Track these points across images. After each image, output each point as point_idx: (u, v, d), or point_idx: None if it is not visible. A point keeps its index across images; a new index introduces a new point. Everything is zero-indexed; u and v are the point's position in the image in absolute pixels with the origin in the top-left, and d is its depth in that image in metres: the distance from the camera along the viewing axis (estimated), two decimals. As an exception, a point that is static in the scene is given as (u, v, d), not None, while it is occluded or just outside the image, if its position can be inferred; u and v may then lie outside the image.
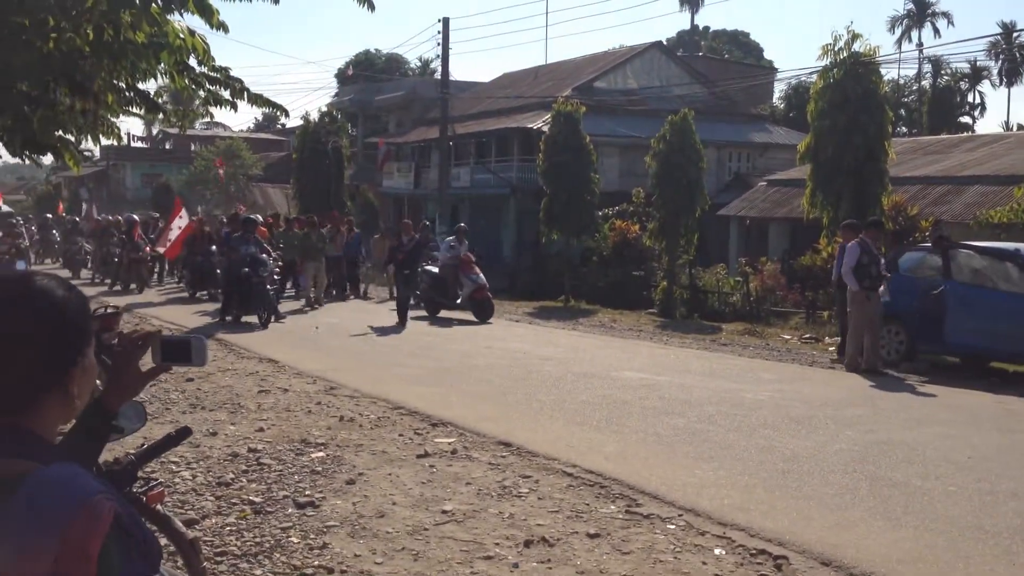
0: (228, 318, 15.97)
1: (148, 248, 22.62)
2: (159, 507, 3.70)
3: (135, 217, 25.10)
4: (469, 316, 17.54)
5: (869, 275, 11.86)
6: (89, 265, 27.33)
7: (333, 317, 17.50)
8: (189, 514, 5.58)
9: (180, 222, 20.93)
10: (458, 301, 17.69)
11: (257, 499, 5.99)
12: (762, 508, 6.06)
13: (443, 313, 18.14)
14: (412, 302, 17.48)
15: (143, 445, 3.53)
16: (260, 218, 20.85)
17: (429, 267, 18.42)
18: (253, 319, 15.65)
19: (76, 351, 1.56)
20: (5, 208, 34.98)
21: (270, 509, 5.82)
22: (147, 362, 2.06)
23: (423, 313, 18.21)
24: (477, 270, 17.57)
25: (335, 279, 21.78)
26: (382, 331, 15.45)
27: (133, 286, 22.32)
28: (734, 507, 6.05)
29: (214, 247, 20.07)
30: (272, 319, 15.74)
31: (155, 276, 25.07)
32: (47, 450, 1.49)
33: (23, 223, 31.85)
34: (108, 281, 23.58)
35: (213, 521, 5.58)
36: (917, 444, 7.91)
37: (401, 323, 16.00)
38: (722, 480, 6.69)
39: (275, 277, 17.34)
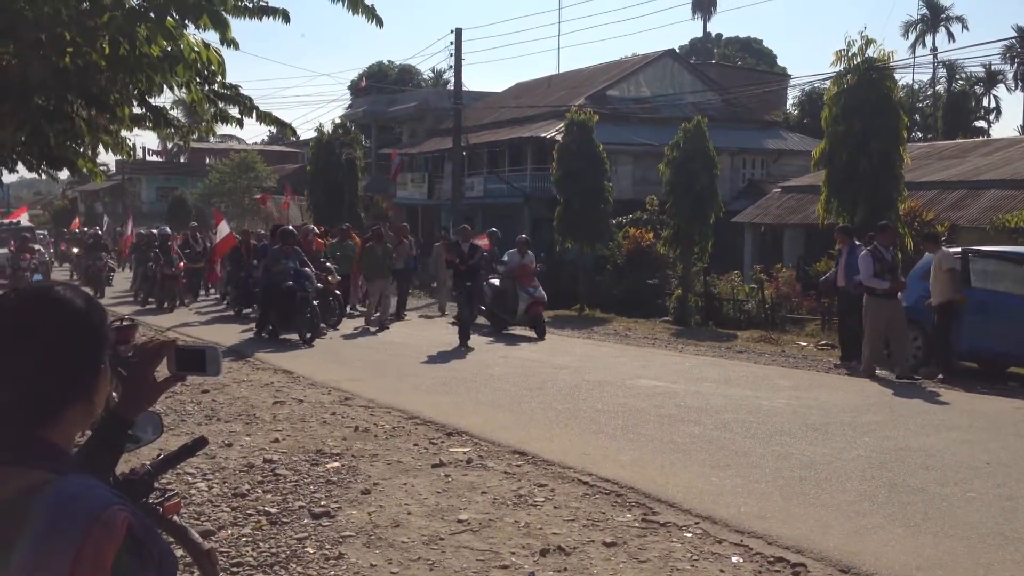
0: (264, 335, 15.22)
1: (182, 264, 21.31)
2: (176, 518, 3.71)
3: (168, 230, 24.08)
4: (530, 332, 16.45)
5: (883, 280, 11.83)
6: (111, 283, 26.03)
7: (397, 336, 16.15)
8: (205, 525, 5.61)
9: (219, 236, 20.02)
10: (516, 317, 16.59)
11: (273, 510, 6.01)
12: (780, 515, 6.03)
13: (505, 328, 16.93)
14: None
15: (159, 456, 3.54)
16: (315, 228, 19.65)
17: (493, 280, 17.09)
18: (292, 336, 14.92)
19: (97, 361, 1.58)
20: (26, 223, 34.21)
21: (286, 519, 5.83)
22: (163, 372, 2.07)
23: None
24: (536, 283, 16.55)
25: (399, 295, 19.69)
26: (441, 356, 13.58)
27: (166, 304, 20.75)
28: (751, 515, 6.02)
29: (257, 261, 18.77)
30: (314, 336, 14.78)
31: (192, 294, 23.11)
32: (64, 460, 1.49)
33: (49, 237, 31.23)
34: (148, 299, 21.84)
35: (229, 532, 5.60)
36: (935, 450, 7.85)
37: (462, 344, 14.37)
38: (739, 488, 6.66)
39: (336, 292, 16.73)
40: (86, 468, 1.62)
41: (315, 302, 14.98)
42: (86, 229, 35.76)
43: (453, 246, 15.71)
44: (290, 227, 17.02)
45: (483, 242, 17.18)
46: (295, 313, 14.72)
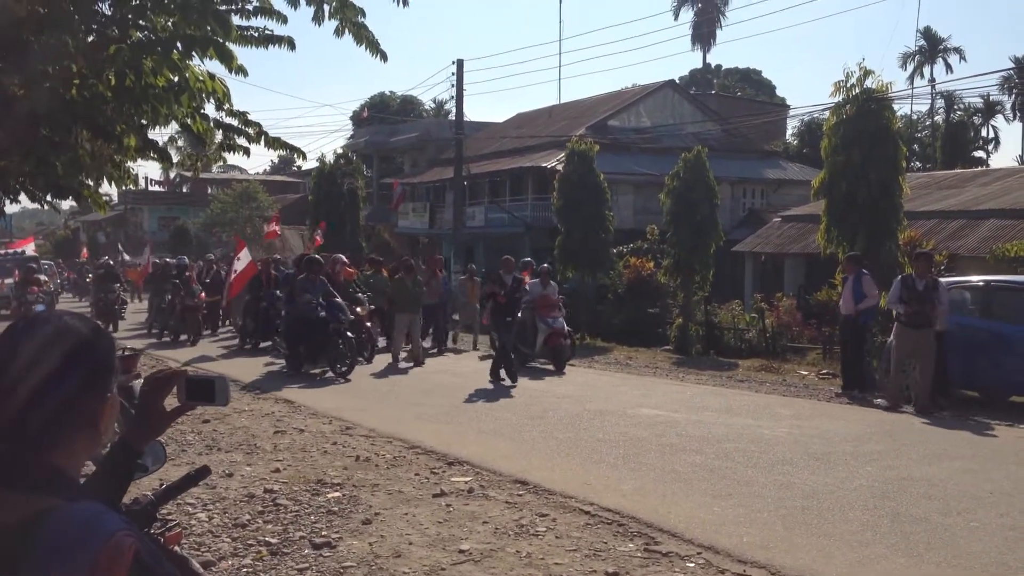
0: (300, 370, 14.49)
1: (202, 295, 20.23)
2: (177, 548, 3.70)
3: (187, 260, 23.11)
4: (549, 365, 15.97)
5: (921, 313, 11.56)
6: (124, 316, 24.52)
7: (444, 373, 15.28)
8: (206, 556, 5.58)
9: (239, 264, 19.04)
10: (535, 350, 15.99)
11: (274, 540, 5.98)
12: (782, 545, 6.00)
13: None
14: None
15: (161, 486, 3.55)
16: (343, 257, 18.40)
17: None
18: (319, 369, 14.48)
19: (105, 389, 1.60)
20: (31, 253, 33.45)
21: (287, 550, 5.81)
22: (171, 402, 2.09)
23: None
24: (556, 313, 15.95)
25: (435, 330, 18.96)
26: (487, 394, 12.73)
27: (185, 337, 19.82)
28: (754, 544, 6.00)
29: (278, 292, 18.02)
30: (350, 369, 14.10)
31: (211, 326, 22.18)
32: (72, 487, 1.51)
33: (55, 267, 30.13)
34: (162, 332, 20.90)
35: (230, 563, 5.57)
36: (938, 479, 7.82)
37: (494, 376, 13.91)
38: (741, 517, 6.64)
39: (367, 325, 16.11)
40: (96, 495, 1.63)
41: (349, 333, 14.40)
42: (98, 260, 34.04)
43: (494, 277, 15.12)
44: (316, 256, 16.43)
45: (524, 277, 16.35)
46: (327, 345, 14.15)
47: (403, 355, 16.15)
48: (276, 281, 18.49)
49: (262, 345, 18.40)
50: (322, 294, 14.49)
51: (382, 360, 16.28)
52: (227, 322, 22.95)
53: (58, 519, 1.40)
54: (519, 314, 15.20)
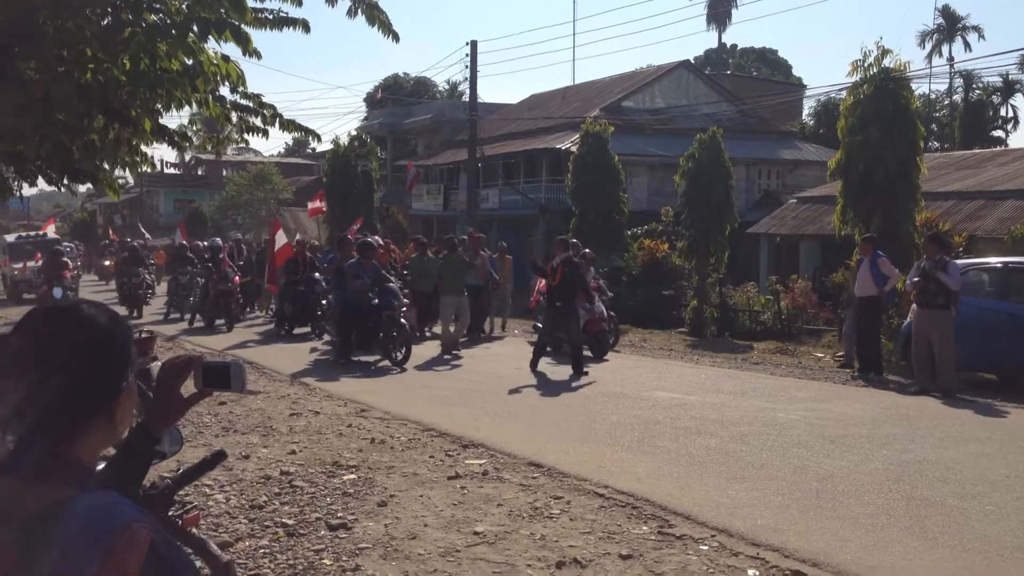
0: (350, 358, 13.85)
1: (236, 279, 19.18)
2: (194, 530, 3.74)
3: (220, 241, 21.98)
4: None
5: (927, 291, 11.55)
6: (150, 301, 23.54)
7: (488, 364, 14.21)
8: (223, 537, 5.63)
9: (277, 244, 18.28)
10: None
11: (290, 521, 6.03)
12: (796, 528, 6.01)
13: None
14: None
15: (178, 469, 3.58)
16: (379, 240, 17.85)
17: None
18: (371, 358, 13.94)
19: (121, 378, 1.61)
20: (52, 235, 32.72)
21: (303, 531, 5.85)
22: (188, 387, 2.10)
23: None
24: (595, 297, 15.09)
25: (476, 314, 17.39)
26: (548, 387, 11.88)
27: (220, 322, 18.81)
28: (768, 528, 6.00)
29: (317, 275, 17.64)
30: (406, 358, 13.43)
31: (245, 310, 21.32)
32: (88, 477, 1.52)
33: (77, 250, 29.01)
34: (183, 316, 20.28)
35: (247, 544, 5.62)
36: (953, 463, 7.80)
37: (533, 365, 13.18)
38: (755, 500, 6.64)
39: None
40: (113, 483, 1.64)
41: (403, 320, 13.77)
42: (128, 240, 32.08)
43: (540, 262, 14.23)
44: (377, 238, 15.94)
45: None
46: (380, 333, 13.53)
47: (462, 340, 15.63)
48: (312, 264, 18.04)
49: (299, 330, 17.84)
50: (374, 279, 13.92)
51: (428, 348, 15.56)
52: (255, 307, 22.18)
53: (74, 510, 1.41)
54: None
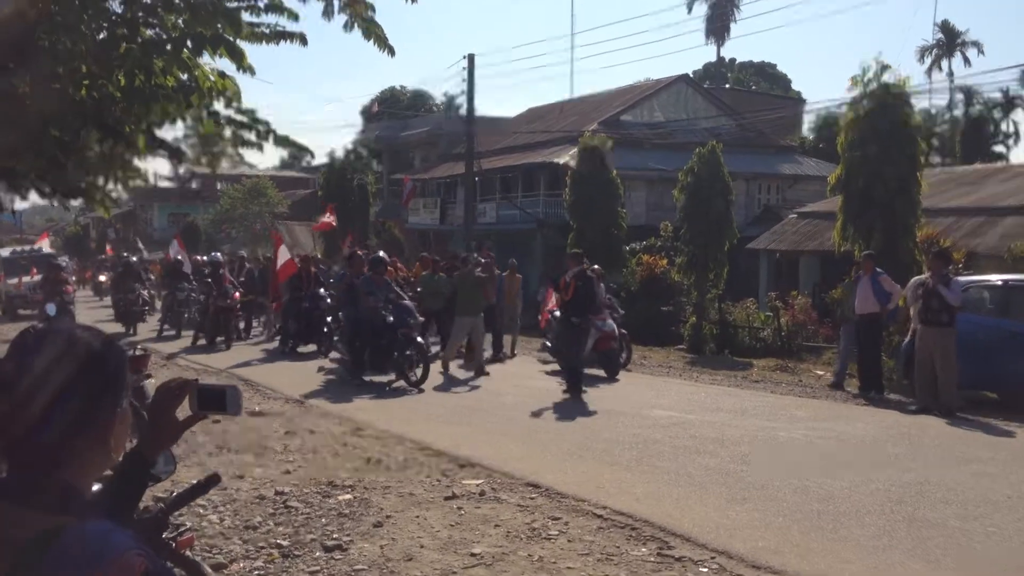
0: (363, 378, 13.34)
1: (236, 295, 18.66)
2: (188, 552, 3.68)
3: (220, 257, 21.22)
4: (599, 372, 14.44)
5: (930, 308, 11.45)
6: (146, 318, 22.72)
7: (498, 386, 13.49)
8: (217, 558, 5.57)
9: (279, 262, 17.72)
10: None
11: (284, 542, 5.96)
12: (797, 551, 5.93)
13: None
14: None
15: (172, 491, 3.52)
16: (385, 256, 16.23)
17: (558, 314, 14.58)
18: (384, 377, 13.40)
19: (115, 403, 1.59)
20: (47, 250, 31.86)
21: (297, 553, 5.78)
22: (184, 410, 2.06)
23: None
24: (605, 315, 14.46)
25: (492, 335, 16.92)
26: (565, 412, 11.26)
27: (221, 339, 18.26)
28: (768, 550, 5.93)
29: (322, 290, 17.27)
30: (423, 378, 12.92)
31: (246, 329, 20.83)
32: (81, 503, 1.50)
33: (72, 265, 27.02)
34: (198, 335, 18.98)
35: (241, 565, 5.55)
36: (955, 483, 7.73)
37: (574, 395, 12.23)
38: (756, 521, 6.57)
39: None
40: (107, 508, 1.63)
41: (419, 338, 13.22)
42: (125, 255, 30.62)
43: (555, 276, 13.49)
44: (381, 253, 15.00)
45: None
46: (394, 352, 12.94)
47: (458, 363, 15.02)
48: (317, 279, 17.66)
49: (304, 348, 17.30)
50: (388, 296, 13.36)
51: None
52: (262, 324, 21.41)
53: (68, 538, 1.39)
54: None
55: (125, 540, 1.41)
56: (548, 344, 15.66)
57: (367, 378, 13.38)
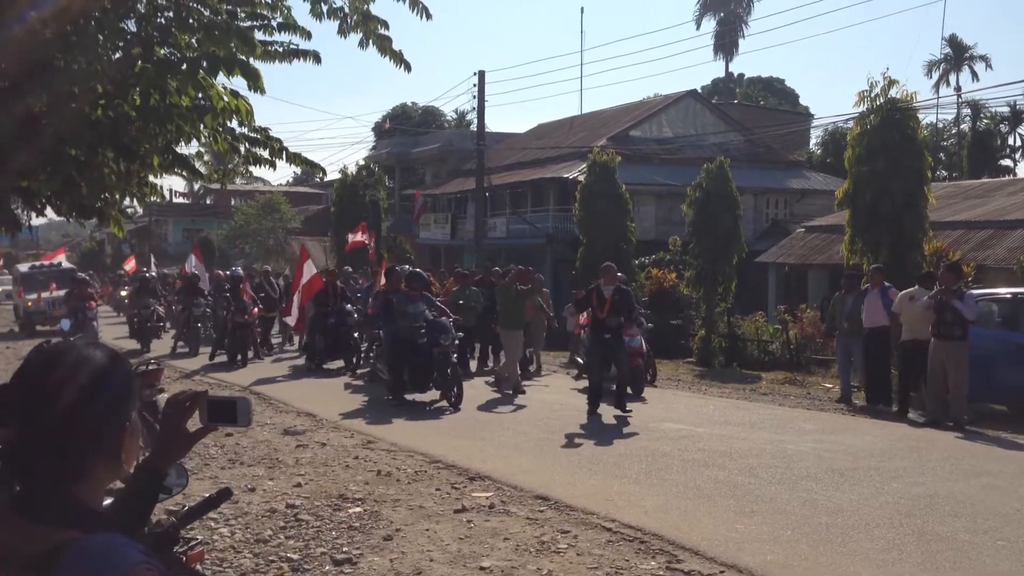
0: (404, 397, 12.88)
1: (255, 311, 18.14)
2: (199, 566, 3.72)
3: (241, 271, 20.32)
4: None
5: (944, 321, 11.43)
6: (161, 335, 22.15)
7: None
8: (228, 572, 5.61)
9: (304, 277, 17.14)
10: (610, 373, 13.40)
11: (295, 556, 6.00)
12: (806, 564, 5.94)
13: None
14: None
15: (184, 506, 3.57)
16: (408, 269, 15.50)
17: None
18: (426, 397, 13.02)
19: (124, 418, 1.61)
20: (66, 264, 31.22)
21: (308, 566, 5.82)
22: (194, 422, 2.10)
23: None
24: (633, 331, 13.83)
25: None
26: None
27: (239, 357, 17.72)
28: (777, 563, 5.94)
29: (349, 306, 16.96)
30: (459, 398, 12.49)
31: (267, 345, 20.10)
32: (91, 518, 1.52)
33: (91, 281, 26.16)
34: (216, 351, 18.38)
35: (252, 578, 5.59)
36: (964, 496, 7.73)
37: (591, 409, 11.87)
38: (764, 535, 6.58)
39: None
40: (119, 521, 1.64)
41: (455, 357, 12.94)
42: (144, 270, 29.54)
43: (589, 289, 12.61)
44: (416, 270, 14.17)
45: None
46: (432, 371, 12.54)
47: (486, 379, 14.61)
48: (344, 294, 17.33)
49: (330, 365, 16.92)
50: (423, 312, 12.83)
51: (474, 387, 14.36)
52: (292, 340, 20.87)
53: (78, 552, 1.41)
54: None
55: (135, 553, 1.43)
56: (580, 360, 15.23)
57: (409, 397, 12.97)
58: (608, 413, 11.83)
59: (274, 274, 23.61)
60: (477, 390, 14.04)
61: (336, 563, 5.86)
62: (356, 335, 16.65)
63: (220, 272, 23.75)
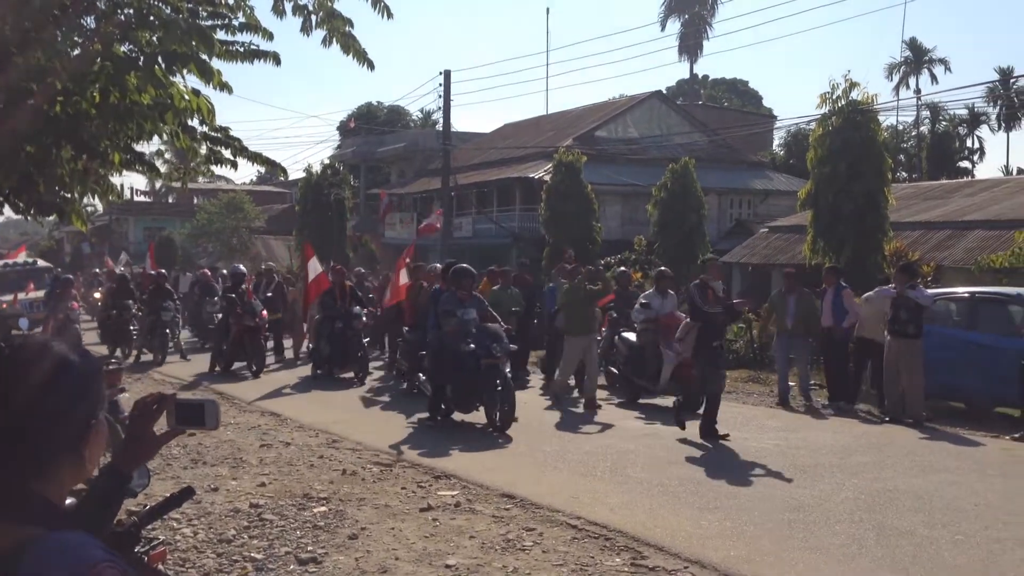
0: (445, 416, 11.04)
1: (264, 313, 16.03)
2: (161, 566, 3.69)
3: (243, 269, 17.92)
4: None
5: (898, 320, 11.61)
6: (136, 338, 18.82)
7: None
8: (190, 572, 5.56)
9: (311, 275, 15.47)
10: (658, 385, 12.38)
11: (259, 556, 5.96)
12: (768, 560, 6.01)
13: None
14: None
15: (144, 504, 3.53)
16: (438, 267, 13.67)
17: (627, 334, 13.26)
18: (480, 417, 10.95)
19: (90, 416, 1.59)
20: (42, 263, 28.76)
21: (272, 566, 5.78)
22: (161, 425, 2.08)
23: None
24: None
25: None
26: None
27: (239, 365, 15.94)
28: (740, 559, 6.00)
29: (357, 308, 15.29)
30: (509, 417, 10.43)
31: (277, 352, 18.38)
32: (55, 515, 1.50)
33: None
34: (216, 361, 16.02)
35: (215, 579, 5.54)
36: (923, 492, 7.85)
37: (679, 421, 10.48)
38: (727, 531, 6.65)
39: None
40: (81, 522, 1.63)
41: (507, 370, 11.20)
42: (121, 270, 26.24)
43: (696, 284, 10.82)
44: (463, 265, 11.57)
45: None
46: (479, 386, 10.54)
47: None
48: (353, 295, 15.56)
49: (340, 374, 15.22)
50: (469, 317, 10.76)
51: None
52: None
53: (40, 549, 1.40)
54: (617, 336, 12.82)
55: (98, 552, 1.42)
56: (616, 371, 13.60)
57: (457, 417, 11.17)
58: (572, 409, 11.85)
59: (276, 272, 21.67)
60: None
61: (301, 562, 5.83)
62: (366, 341, 15.29)
63: (206, 271, 22.41)
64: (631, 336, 13.12)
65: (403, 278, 14.33)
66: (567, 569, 5.79)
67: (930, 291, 12.84)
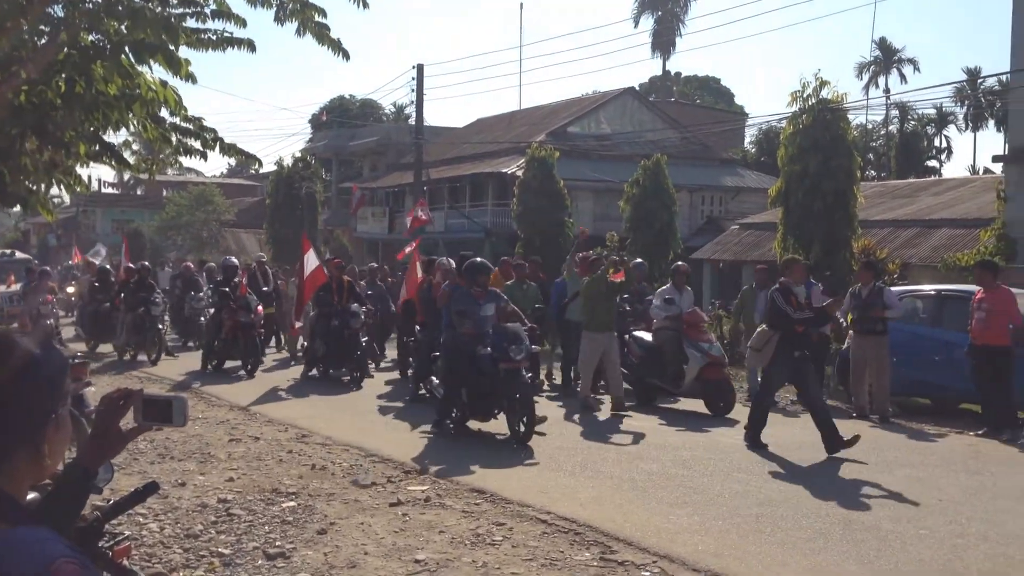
0: (455, 424, 10.19)
1: (260, 309, 15.38)
2: (125, 561, 3.65)
3: (235, 261, 16.90)
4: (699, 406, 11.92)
5: (864, 317, 11.70)
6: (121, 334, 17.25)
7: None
8: (156, 567, 5.51)
9: (307, 268, 14.28)
10: (682, 386, 11.93)
11: (226, 551, 5.92)
12: (736, 553, 6.05)
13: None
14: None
15: (109, 499, 3.50)
16: (450, 261, 12.05)
17: (640, 333, 12.72)
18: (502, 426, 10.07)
19: (49, 409, 1.56)
20: (20, 254, 28.02)
21: (240, 561, 5.75)
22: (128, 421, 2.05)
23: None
24: (710, 336, 12.26)
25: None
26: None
27: (232, 363, 15.14)
28: (708, 553, 6.04)
29: (356, 305, 14.41)
30: (531, 427, 9.48)
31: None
32: (14, 510, 1.48)
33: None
34: (209, 359, 15.24)
35: (181, 574, 5.51)
36: (888, 487, 7.94)
37: (753, 441, 9.65)
38: (696, 525, 6.69)
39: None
40: (45, 518, 1.60)
41: (528, 375, 10.40)
42: (99, 262, 24.13)
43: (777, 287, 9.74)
44: (479, 259, 10.53)
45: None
46: (497, 393, 9.72)
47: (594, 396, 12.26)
48: (352, 291, 14.68)
49: (335, 374, 14.58)
50: (486, 315, 9.93)
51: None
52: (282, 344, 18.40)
53: (0, 544, 1.37)
54: (628, 335, 12.19)
55: (59, 547, 1.40)
56: (625, 371, 12.52)
57: (473, 426, 10.36)
58: (545, 405, 11.86)
59: (268, 264, 20.40)
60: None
61: (269, 557, 5.79)
62: (364, 340, 14.52)
63: (189, 264, 21.55)
64: (645, 336, 12.50)
65: (419, 272, 13.50)
66: (536, 564, 5.80)
67: (896, 288, 12.98)
